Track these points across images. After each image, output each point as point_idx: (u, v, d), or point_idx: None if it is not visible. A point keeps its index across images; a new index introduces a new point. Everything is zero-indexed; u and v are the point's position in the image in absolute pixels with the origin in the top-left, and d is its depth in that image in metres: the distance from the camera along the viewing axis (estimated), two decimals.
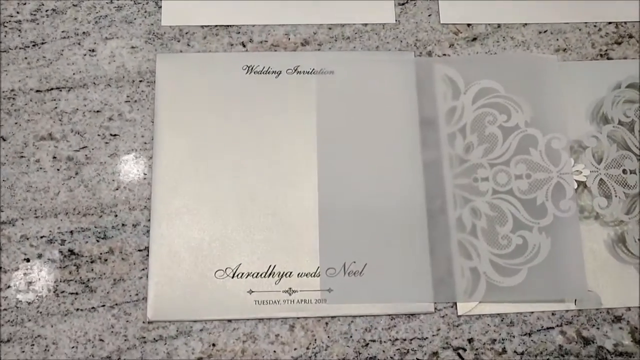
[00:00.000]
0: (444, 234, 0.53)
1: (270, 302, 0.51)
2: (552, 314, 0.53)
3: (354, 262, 0.52)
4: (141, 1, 0.58)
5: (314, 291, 0.52)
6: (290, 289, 0.51)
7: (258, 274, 0.52)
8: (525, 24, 0.60)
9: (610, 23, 0.60)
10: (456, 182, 0.54)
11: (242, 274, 0.52)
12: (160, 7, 0.58)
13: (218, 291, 0.51)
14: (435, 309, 0.52)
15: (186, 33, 0.57)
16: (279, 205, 0.53)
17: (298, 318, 0.51)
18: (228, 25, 0.58)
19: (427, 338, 0.51)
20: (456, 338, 0.52)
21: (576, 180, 0.54)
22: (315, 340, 0.51)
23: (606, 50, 0.60)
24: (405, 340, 0.51)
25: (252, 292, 0.51)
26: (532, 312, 0.53)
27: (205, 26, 0.58)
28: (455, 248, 0.53)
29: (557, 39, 0.60)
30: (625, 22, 0.60)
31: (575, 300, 0.53)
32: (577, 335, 0.52)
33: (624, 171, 0.55)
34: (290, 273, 0.52)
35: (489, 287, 0.52)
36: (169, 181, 0.53)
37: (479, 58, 0.58)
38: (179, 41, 0.57)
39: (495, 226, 0.53)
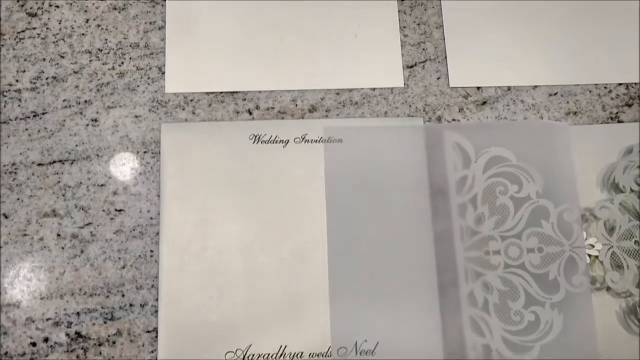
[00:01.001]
0: (455, 309, 0.53)
1: None
2: None
3: (366, 340, 0.52)
4: (144, 67, 0.57)
5: None
6: None
7: (269, 355, 0.51)
8: (535, 86, 0.59)
9: (620, 84, 0.60)
10: (467, 255, 0.54)
11: (253, 355, 0.51)
12: (164, 72, 0.57)
13: None
14: None
15: (191, 100, 0.57)
16: (289, 281, 0.53)
17: None
18: (234, 92, 0.57)
19: None
20: None
21: (588, 254, 0.54)
22: None
23: (617, 113, 0.59)
24: None
25: None
26: None
27: (211, 93, 0.57)
28: (467, 324, 0.53)
29: (568, 102, 0.59)
30: (636, 83, 0.60)
31: None
32: None
33: (636, 242, 0.55)
34: (302, 354, 0.52)
35: None
36: (176, 259, 0.53)
37: (489, 125, 0.58)
38: (183, 109, 0.56)
39: (507, 301, 0.53)
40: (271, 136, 0.56)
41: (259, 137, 0.56)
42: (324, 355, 0.52)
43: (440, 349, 0.53)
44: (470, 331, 0.53)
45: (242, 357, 0.51)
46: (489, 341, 0.53)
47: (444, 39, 0.60)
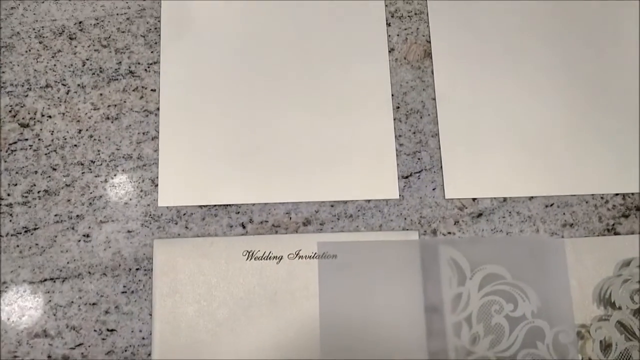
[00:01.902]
0: None
1: None
2: None
3: None
4: (137, 180, 0.57)
5: None
6: None
7: None
8: (532, 197, 0.60)
9: (617, 195, 0.61)
10: None
11: None
12: (157, 185, 0.57)
13: None
14: None
15: (184, 214, 0.57)
16: None
17: None
18: (227, 205, 0.57)
19: None
20: None
21: None
22: None
23: (613, 225, 0.60)
24: None
25: None
26: None
27: (204, 206, 0.57)
28: None
29: (564, 213, 0.60)
30: (633, 194, 0.61)
31: None
32: None
33: None
34: None
35: None
36: None
37: (484, 240, 0.58)
38: (176, 223, 0.56)
39: None
40: (265, 252, 0.56)
41: (253, 254, 0.56)
42: None
43: None
44: None
45: None
46: None
47: (440, 147, 0.60)
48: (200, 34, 0.61)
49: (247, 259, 0.56)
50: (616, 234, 0.60)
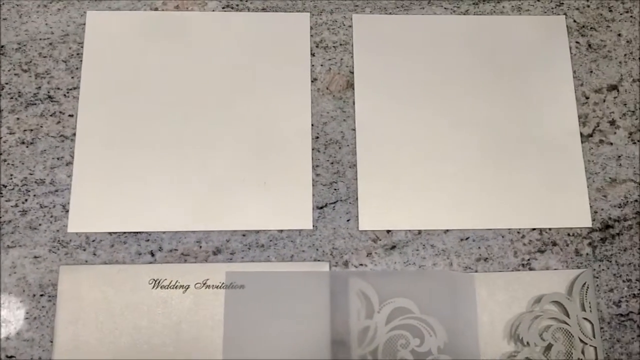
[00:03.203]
0: None
1: None
2: None
3: None
4: (47, 205, 0.58)
5: None
6: None
7: None
8: (447, 230, 0.60)
9: (534, 229, 0.61)
10: None
11: None
12: (68, 211, 0.58)
13: None
14: None
15: (93, 241, 0.58)
16: None
17: None
18: (137, 232, 0.58)
19: None
20: None
21: None
22: None
23: (529, 260, 0.60)
24: None
25: None
26: None
27: (114, 233, 0.58)
28: None
29: (479, 247, 0.60)
30: (550, 229, 0.61)
31: None
32: None
33: None
34: None
35: None
36: None
37: (395, 273, 0.59)
38: (84, 250, 0.57)
39: None
40: (171, 281, 0.57)
41: (159, 282, 0.57)
42: None
43: None
44: None
45: None
46: None
47: (357, 178, 0.61)
48: (122, 61, 0.62)
49: (153, 287, 0.57)
50: (531, 269, 0.60)
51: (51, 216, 0.58)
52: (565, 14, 0.68)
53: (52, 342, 0.55)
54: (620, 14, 0.68)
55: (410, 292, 0.58)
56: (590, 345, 0.58)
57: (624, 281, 0.61)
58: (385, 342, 0.56)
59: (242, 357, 0.56)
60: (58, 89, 0.61)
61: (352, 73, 0.64)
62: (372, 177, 0.61)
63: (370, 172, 0.61)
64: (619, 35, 0.68)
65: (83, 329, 0.55)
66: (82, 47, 0.63)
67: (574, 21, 0.67)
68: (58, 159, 0.60)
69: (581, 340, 0.58)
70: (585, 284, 0.60)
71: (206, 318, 0.56)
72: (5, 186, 0.59)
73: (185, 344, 0.55)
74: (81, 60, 0.62)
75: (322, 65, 0.64)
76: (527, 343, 0.57)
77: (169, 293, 0.57)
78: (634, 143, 0.64)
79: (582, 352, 0.58)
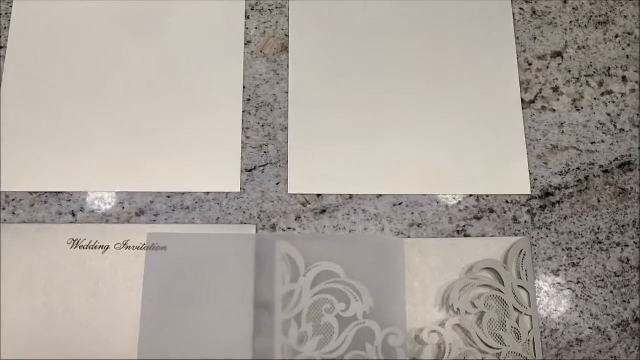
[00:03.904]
0: None
1: None
2: None
3: None
4: None
5: None
6: None
7: None
8: (380, 195, 0.59)
9: (470, 196, 0.60)
10: None
11: None
12: None
13: None
14: None
15: (12, 200, 0.56)
16: None
17: None
18: (58, 192, 0.57)
19: None
20: None
21: None
22: None
23: (464, 226, 0.59)
24: None
25: None
26: None
27: (34, 192, 0.57)
28: None
29: (413, 213, 0.59)
30: (487, 196, 0.60)
31: None
32: None
33: None
34: None
35: None
36: None
37: (323, 237, 0.57)
38: (4, 209, 0.56)
39: None
40: (91, 241, 0.56)
41: (78, 242, 0.55)
42: None
43: None
44: None
45: None
46: None
47: (288, 141, 0.60)
48: (48, 22, 0.62)
49: (72, 247, 0.56)
50: (466, 236, 0.59)
51: None
52: None
53: None
54: None
55: (338, 256, 0.56)
56: (526, 314, 0.57)
57: (563, 250, 0.59)
58: (310, 307, 0.55)
59: (160, 320, 0.54)
60: None
61: (287, 37, 0.63)
62: (304, 141, 0.60)
63: (302, 136, 0.60)
64: (565, 2, 0.66)
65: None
66: (10, 5, 0.62)
67: None
68: None
69: (516, 309, 0.57)
70: (522, 251, 0.58)
71: (125, 279, 0.55)
72: None
73: (101, 305, 0.54)
74: (9, 20, 0.62)
75: (256, 28, 0.63)
76: (458, 310, 0.56)
77: (88, 253, 0.56)
78: (578, 110, 0.63)
79: (517, 321, 0.56)
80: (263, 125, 0.61)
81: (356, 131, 0.60)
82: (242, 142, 0.60)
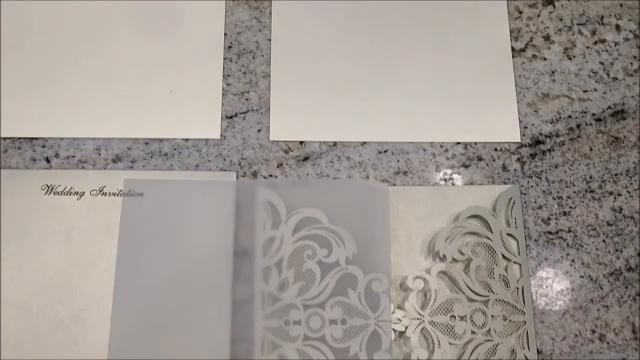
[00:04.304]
0: None
1: None
2: None
3: None
4: None
5: None
6: None
7: None
8: (364, 142, 0.58)
9: (458, 143, 0.58)
10: (266, 324, 0.51)
11: None
12: None
13: None
14: None
15: None
16: (64, 344, 0.50)
17: None
18: (33, 138, 0.56)
19: None
20: None
21: (394, 329, 0.51)
22: None
23: (451, 174, 0.57)
24: None
25: None
26: None
27: (8, 138, 0.55)
28: None
29: (398, 160, 0.57)
30: (476, 143, 0.58)
31: None
32: None
33: (452, 317, 0.52)
34: None
35: None
36: None
37: (305, 182, 0.56)
38: None
39: None
40: (65, 187, 0.54)
41: (52, 188, 0.54)
42: None
43: None
44: None
45: None
46: None
47: (270, 89, 0.58)
48: None
49: (46, 192, 0.54)
50: (454, 184, 0.57)
51: None
52: None
53: None
54: None
55: (320, 202, 0.55)
56: (515, 262, 0.55)
57: (554, 198, 0.57)
58: (291, 253, 0.53)
59: (136, 266, 0.53)
60: None
61: None
62: (287, 88, 0.59)
63: (285, 83, 0.59)
64: None
65: None
66: None
67: None
68: None
69: (505, 257, 0.55)
70: (511, 199, 0.57)
71: (100, 226, 0.54)
72: None
73: (75, 251, 0.53)
74: None
75: None
76: (444, 257, 0.54)
77: (63, 200, 0.54)
78: (570, 59, 0.62)
79: (506, 269, 0.54)
80: (245, 73, 0.59)
81: (340, 78, 0.59)
82: (223, 89, 0.58)
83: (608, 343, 0.54)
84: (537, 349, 0.53)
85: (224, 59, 0.59)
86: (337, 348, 0.51)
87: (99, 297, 0.52)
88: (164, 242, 0.54)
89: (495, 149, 0.58)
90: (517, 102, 0.60)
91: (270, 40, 0.60)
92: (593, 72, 0.61)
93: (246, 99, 0.58)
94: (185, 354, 0.51)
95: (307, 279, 0.53)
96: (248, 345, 0.51)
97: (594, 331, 0.54)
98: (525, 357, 0.53)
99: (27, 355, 0.50)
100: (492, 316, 0.53)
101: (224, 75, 0.59)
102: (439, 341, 0.51)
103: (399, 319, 0.52)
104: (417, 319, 0.52)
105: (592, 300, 0.55)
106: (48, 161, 0.55)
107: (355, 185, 0.56)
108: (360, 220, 0.54)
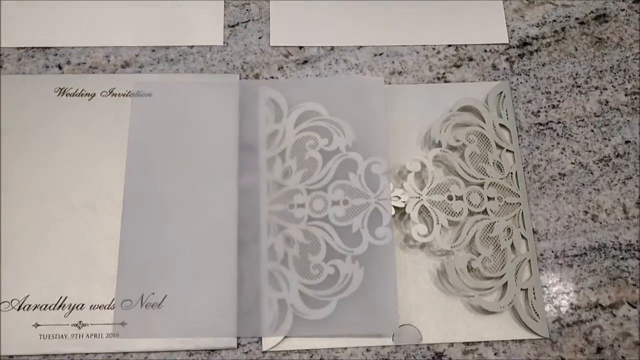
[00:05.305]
0: (254, 264, 0.53)
1: (57, 336, 0.50)
2: (367, 349, 0.51)
3: (153, 293, 0.51)
4: None
5: (105, 325, 0.50)
6: (80, 322, 0.50)
7: (47, 306, 0.51)
8: (360, 46, 0.61)
9: (450, 46, 0.61)
10: (271, 209, 0.54)
11: (29, 306, 0.50)
12: None
13: (0, 325, 0.50)
14: (239, 344, 0.51)
15: (0, 55, 0.58)
16: (78, 233, 0.53)
17: (86, 354, 0.50)
18: (45, 47, 0.58)
19: None
20: None
21: (396, 207, 0.54)
22: None
23: (444, 74, 0.60)
24: None
25: (38, 325, 0.50)
26: (346, 348, 0.51)
27: (21, 48, 0.58)
28: (265, 279, 0.52)
29: (393, 62, 0.60)
30: (466, 45, 0.61)
31: (393, 336, 0.52)
32: None
33: (450, 197, 0.54)
34: (83, 305, 0.51)
35: (295, 320, 0.51)
36: None
37: (305, 81, 0.59)
38: None
39: (308, 255, 0.52)
40: (77, 89, 0.57)
41: (65, 90, 0.57)
42: (107, 307, 0.51)
43: (234, 304, 0.51)
44: (267, 285, 0.52)
45: (17, 307, 0.50)
46: (285, 295, 0.52)
47: (269, 0, 0.61)
48: None
49: (59, 94, 0.57)
50: (447, 82, 0.60)
51: None
52: None
53: None
54: None
55: (320, 97, 0.57)
56: (508, 150, 0.58)
57: (542, 93, 0.60)
58: (293, 144, 0.56)
59: (146, 160, 0.55)
60: None
61: None
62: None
63: None
64: None
65: None
66: None
67: None
68: None
69: (498, 146, 0.58)
70: (502, 92, 0.60)
71: (111, 124, 0.56)
72: None
73: (88, 146, 0.55)
74: None
75: None
76: (440, 143, 0.57)
77: (74, 100, 0.57)
78: None
79: (499, 157, 0.57)
80: None
81: None
82: (225, 2, 0.61)
83: (601, 222, 0.56)
84: (533, 229, 0.56)
85: None
86: (340, 226, 0.53)
87: (112, 187, 0.54)
88: (172, 138, 0.56)
89: (485, 50, 0.61)
90: (504, 8, 0.63)
91: None
92: None
93: (247, 10, 0.62)
94: (195, 239, 0.53)
95: (309, 166, 0.55)
96: (255, 229, 0.54)
97: (586, 212, 0.57)
98: (521, 234, 0.55)
99: (43, 238, 0.52)
100: (487, 197, 0.55)
101: None
102: (437, 217, 0.54)
103: (398, 197, 0.54)
104: (416, 197, 0.54)
105: (583, 185, 0.57)
106: (60, 68, 0.58)
107: (351, 80, 0.59)
108: (358, 111, 0.57)
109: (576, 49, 0.62)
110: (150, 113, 0.57)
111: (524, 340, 0.52)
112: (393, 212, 0.53)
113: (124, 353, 0.50)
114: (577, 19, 0.63)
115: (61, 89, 0.57)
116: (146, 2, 0.60)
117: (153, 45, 0.59)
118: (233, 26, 0.61)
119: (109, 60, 0.59)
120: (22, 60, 0.58)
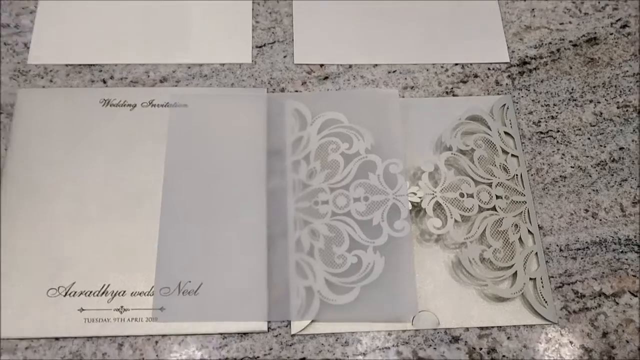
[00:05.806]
0: (282, 256, 0.57)
1: (100, 320, 0.53)
2: (389, 333, 0.55)
3: (190, 281, 0.55)
4: (10, 43, 0.65)
5: (145, 309, 0.54)
6: (122, 307, 0.54)
7: (91, 292, 0.54)
8: (376, 64, 0.67)
9: (456, 64, 0.67)
10: (298, 206, 0.58)
11: (75, 292, 0.54)
12: (29, 47, 0.65)
13: (48, 309, 0.54)
14: (269, 328, 0.55)
15: (50, 71, 0.64)
16: (118, 222, 0.57)
17: (127, 336, 0.53)
18: (91, 65, 0.64)
19: (258, 357, 0.53)
20: (289, 357, 0.54)
21: (412, 202, 0.58)
22: (144, 358, 0.53)
23: (452, 88, 0.66)
24: (236, 359, 0.53)
25: (83, 310, 0.54)
26: (368, 332, 0.55)
27: (70, 65, 0.64)
28: (293, 268, 0.56)
29: (406, 78, 0.66)
30: (471, 64, 0.68)
31: (412, 319, 0.55)
32: (413, 355, 0.54)
33: (461, 195, 0.59)
34: (124, 292, 0.55)
35: (322, 305, 0.55)
36: (11, 198, 0.57)
37: (326, 94, 0.65)
38: (42, 78, 0.63)
39: (332, 246, 0.57)
40: (120, 100, 0.62)
41: (109, 101, 0.62)
42: (146, 294, 0.55)
43: (264, 291, 0.55)
44: (294, 274, 0.56)
45: (64, 293, 0.54)
46: (312, 283, 0.56)
47: (293, 25, 0.68)
48: None
49: (104, 105, 0.62)
50: (455, 95, 0.66)
51: (13, 51, 0.65)
52: None
53: (6, 149, 0.60)
54: None
55: (341, 107, 0.63)
56: (513, 155, 0.63)
57: (542, 105, 0.66)
58: (317, 148, 0.61)
59: (183, 164, 0.60)
60: None
61: None
62: (307, 22, 0.68)
63: (306, 18, 0.69)
64: None
65: (37, 140, 0.60)
66: None
67: None
68: (23, 8, 0.67)
69: (504, 151, 0.63)
70: (505, 105, 0.65)
71: (152, 131, 0.62)
72: None
73: (129, 152, 0.60)
74: None
75: None
76: (451, 147, 0.62)
77: (117, 110, 0.62)
78: None
79: (505, 161, 0.62)
80: (270, 13, 0.69)
81: (353, 11, 0.69)
82: (252, 26, 0.68)
83: (600, 220, 0.61)
84: (539, 225, 0.60)
85: (252, 2, 0.69)
86: (362, 220, 0.58)
87: (151, 188, 0.59)
88: (206, 145, 0.61)
89: (489, 68, 0.68)
90: (505, 32, 0.70)
91: None
92: (567, 9, 0.72)
93: (272, 33, 0.68)
94: (228, 235, 0.58)
95: (332, 167, 0.60)
96: (283, 225, 0.58)
97: (587, 210, 0.61)
98: (527, 230, 0.60)
99: (88, 233, 0.57)
100: (496, 196, 0.60)
101: (253, 15, 0.69)
102: (450, 212, 0.58)
103: (414, 193, 0.59)
104: (430, 194, 0.59)
105: (583, 186, 0.62)
106: (104, 82, 0.64)
107: (369, 92, 0.65)
108: (376, 119, 0.62)
109: (571, 68, 0.68)
110: (186, 122, 0.62)
111: (534, 325, 0.56)
112: (410, 207, 0.58)
113: (162, 336, 0.54)
114: (570, 41, 0.70)
115: (105, 100, 0.63)
116: (183, 27, 0.67)
117: (189, 63, 0.65)
118: (260, 47, 0.67)
119: (148, 76, 0.65)
120: (70, 76, 0.64)
